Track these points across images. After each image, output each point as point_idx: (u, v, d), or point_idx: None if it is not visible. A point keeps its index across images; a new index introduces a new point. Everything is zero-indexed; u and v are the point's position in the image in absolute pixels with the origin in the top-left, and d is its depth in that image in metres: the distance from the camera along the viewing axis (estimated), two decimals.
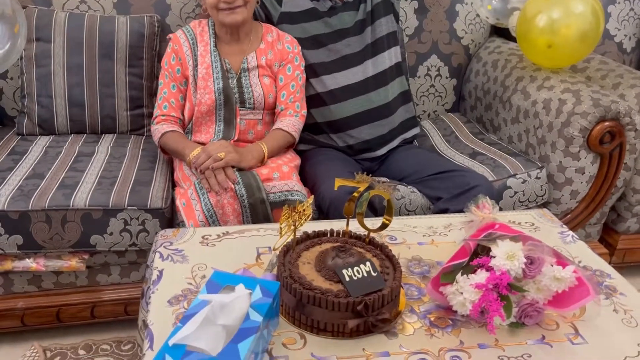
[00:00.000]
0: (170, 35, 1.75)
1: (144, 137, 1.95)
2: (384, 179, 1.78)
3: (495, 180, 1.75)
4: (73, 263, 1.53)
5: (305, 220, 1.13)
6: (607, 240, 2.03)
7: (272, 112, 1.76)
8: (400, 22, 2.16)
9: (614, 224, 2.03)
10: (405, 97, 1.90)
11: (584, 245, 1.35)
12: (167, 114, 1.70)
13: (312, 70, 1.81)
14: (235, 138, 1.68)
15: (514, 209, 1.79)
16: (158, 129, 1.68)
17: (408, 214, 1.70)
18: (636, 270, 2.08)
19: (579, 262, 1.27)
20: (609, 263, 1.96)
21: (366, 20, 1.83)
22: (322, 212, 1.58)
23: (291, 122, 1.70)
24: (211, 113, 1.69)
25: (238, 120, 1.69)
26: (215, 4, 1.61)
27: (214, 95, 1.67)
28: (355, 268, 1.06)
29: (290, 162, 1.67)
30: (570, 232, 1.40)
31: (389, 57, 1.85)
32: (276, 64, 1.73)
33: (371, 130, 1.81)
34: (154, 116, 1.72)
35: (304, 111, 1.75)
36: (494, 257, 1.04)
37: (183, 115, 1.73)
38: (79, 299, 1.62)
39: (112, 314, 1.65)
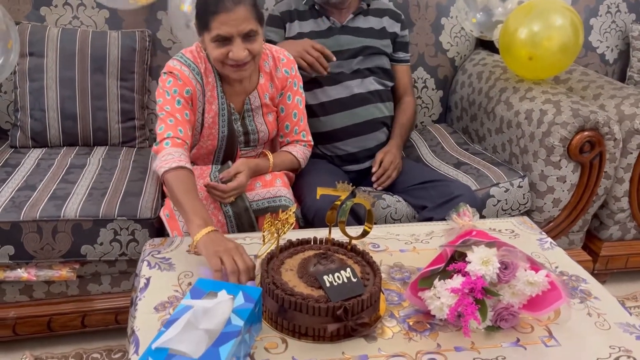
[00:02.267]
0: (176, 72, 1.49)
1: (135, 149, 1.98)
2: (370, 188, 1.82)
3: (478, 189, 1.79)
4: (64, 273, 1.56)
5: (289, 228, 1.17)
6: (591, 247, 2.06)
7: (271, 142, 1.74)
8: None
9: (597, 232, 2.07)
10: (393, 119, 1.94)
11: (562, 251, 1.39)
12: (183, 139, 1.44)
13: (304, 85, 1.83)
14: None
15: (497, 217, 1.82)
16: (175, 156, 1.38)
17: (393, 223, 1.73)
18: (619, 276, 2.12)
19: (556, 267, 1.31)
20: (593, 270, 2.03)
21: (362, 51, 1.86)
22: (307, 221, 1.62)
23: (301, 149, 1.69)
24: (210, 154, 1.64)
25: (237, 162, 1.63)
26: (221, 59, 1.44)
27: (217, 141, 1.60)
28: (336, 274, 1.09)
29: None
30: (549, 239, 1.44)
31: (379, 83, 1.89)
32: (278, 96, 1.65)
33: (358, 143, 1.85)
34: (164, 136, 1.43)
35: (310, 138, 1.71)
36: (470, 262, 1.08)
37: None
38: (70, 309, 1.64)
39: (102, 323, 1.68)
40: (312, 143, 1.73)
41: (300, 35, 1.85)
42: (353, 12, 1.89)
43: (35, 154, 1.86)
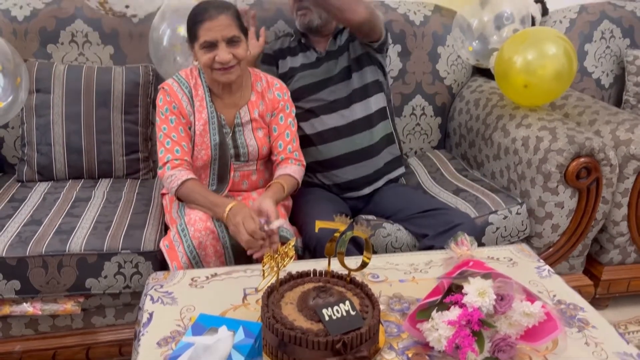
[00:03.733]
0: (166, 86, 1.67)
1: (139, 181, 2.02)
2: (371, 216, 1.84)
3: (477, 217, 1.81)
4: (69, 306, 1.58)
5: (288, 262, 1.19)
6: (592, 271, 2.07)
7: (265, 160, 1.79)
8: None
9: (597, 256, 2.07)
10: (389, 139, 1.97)
11: (560, 279, 1.40)
12: (181, 158, 1.62)
13: (301, 115, 1.88)
14: (226, 191, 1.70)
15: (497, 244, 1.84)
16: (176, 175, 1.58)
17: (394, 251, 1.75)
18: (622, 300, 2.12)
19: (554, 295, 1.32)
20: (594, 294, 2.03)
21: (352, 67, 1.90)
22: (309, 251, 1.64)
23: (297, 169, 1.72)
24: (206, 167, 1.69)
25: (232, 174, 1.71)
26: (209, 64, 1.59)
27: (210, 151, 1.66)
28: (335, 307, 1.11)
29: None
30: (547, 267, 1.45)
31: (375, 102, 1.93)
32: (268, 115, 1.74)
33: (356, 170, 1.88)
34: (164, 161, 1.61)
35: (303, 158, 1.77)
36: (466, 294, 1.09)
37: None
38: (75, 342, 1.66)
39: (107, 355, 1.69)
40: (305, 164, 1.77)
41: (292, 70, 1.92)
42: (332, 36, 1.94)
43: (41, 188, 1.90)
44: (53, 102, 1.94)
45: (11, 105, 1.72)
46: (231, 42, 1.57)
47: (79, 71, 1.98)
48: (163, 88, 1.68)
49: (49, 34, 1.98)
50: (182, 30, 1.84)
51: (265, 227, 1.48)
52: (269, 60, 1.96)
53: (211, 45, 1.57)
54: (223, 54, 1.56)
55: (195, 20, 1.57)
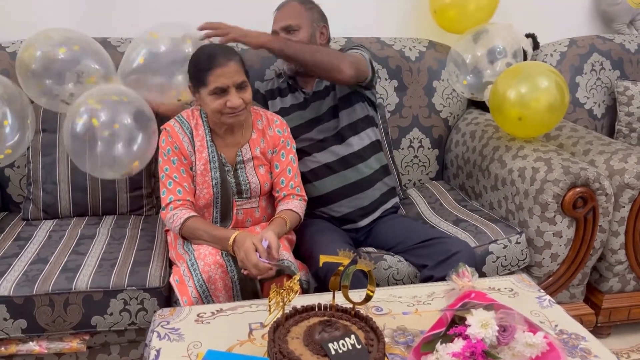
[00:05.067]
0: (168, 127, 1.71)
1: (142, 217, 2.05)
2: (371, 249, 1.86)
3: (477, 246, 1.84)
4: (74, 344, 1.59)
5: (294, 296, 1.21)
6: (592, 300, 2.08)
7: (267, 196, 1.82)
8: (381, 100, 2.32)
9: (597, 284, 2.09)
10: (385, 171, 2.01)
11: (561, 309, 1.42)
12: (183, 198, 1.65)
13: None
14: (231, 227, 1.72)
15: (497, 274, 1.86)
16: (177, 214, 1.62)
17: (396, 283, 1.77)
18: (623, 328, 2.13)
19: (556, 325, 1.34)
20: (596, 323, 2.04)
21: (339, 106, 1.94)
22: (320, 281, 1.66)
23: (298, 204, 1.75)
24: (209, 206, 1.73)
25: (235, 211, 1.74)
26: (220, 109, 1.61)
27: (212, 189, 1.70)
28: (341, 341, 1.13)
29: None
30: (548, 297, 1.47)
31: (366, 137, 1.97)
32: (269, 151, 1.77)
33: (351, 203, 1.91)
34: (167, 202, 1.65)
35: (304, 193, 1.80)
36: (470, 325, 1.12)
37: None
38: None
39: None
40: (307, 199, 1.80)
41: (283, 110, 1.96)
42: (318, 77, 1.97)
43: (46, 226, 1.92)
44: (59, 142, 1.98)
45: (19, 144, 1.76)
46: (240, 87, 1.62)
47: None
48: (165, 129, 1.71)
49: None
50: None
51: (264, 258, 1.49)
52: (260, 100, 2.02)
53: (222, 92, 1.60)
54: (234, 99, 1.60)
55: (203, 68, 1.60)
